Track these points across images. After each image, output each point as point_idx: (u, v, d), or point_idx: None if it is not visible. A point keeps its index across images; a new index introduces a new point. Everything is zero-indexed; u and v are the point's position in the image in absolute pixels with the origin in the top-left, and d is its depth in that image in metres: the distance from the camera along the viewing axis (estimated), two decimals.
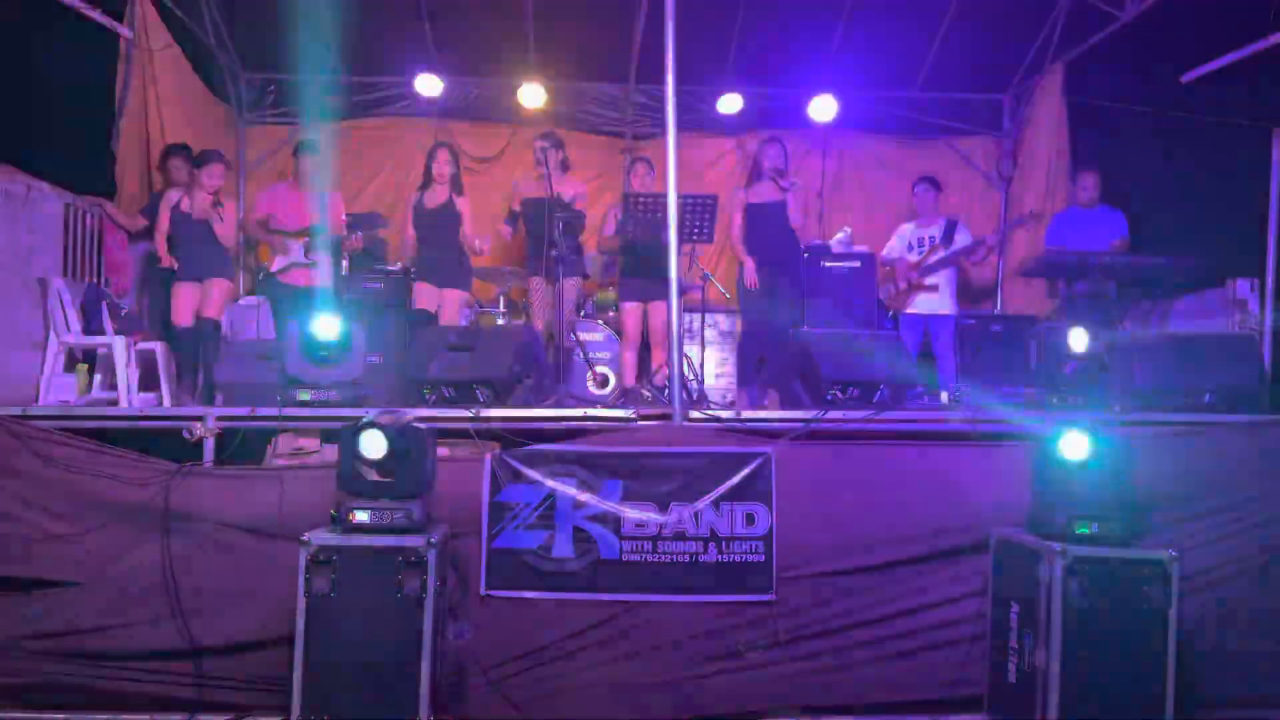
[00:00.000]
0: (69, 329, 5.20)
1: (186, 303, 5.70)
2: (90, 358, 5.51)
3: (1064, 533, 3.38)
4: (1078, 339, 4.40)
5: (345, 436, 3.41)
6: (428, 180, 6.12)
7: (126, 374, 5.16)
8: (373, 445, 3.33)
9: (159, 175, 6.38)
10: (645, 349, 6.33)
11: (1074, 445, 3.45)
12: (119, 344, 5.16)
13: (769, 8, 7.26)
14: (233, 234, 6.01)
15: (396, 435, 3.35)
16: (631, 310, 6.12)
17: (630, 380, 6.13)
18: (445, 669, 3.56)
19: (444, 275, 6.07)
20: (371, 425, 3.34)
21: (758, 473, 3.85)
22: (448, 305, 6.07)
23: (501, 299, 7.04)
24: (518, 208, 6.15)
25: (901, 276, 6.62)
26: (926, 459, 3.97)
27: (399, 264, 6.77)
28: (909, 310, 6.60)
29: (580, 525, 3.83)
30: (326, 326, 4.20)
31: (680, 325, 4.29)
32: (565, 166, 6.15)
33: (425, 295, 6.09)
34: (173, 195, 5.74)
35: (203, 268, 5.78)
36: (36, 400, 4.91)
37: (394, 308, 6.56)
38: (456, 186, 6.12)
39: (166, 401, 5.45)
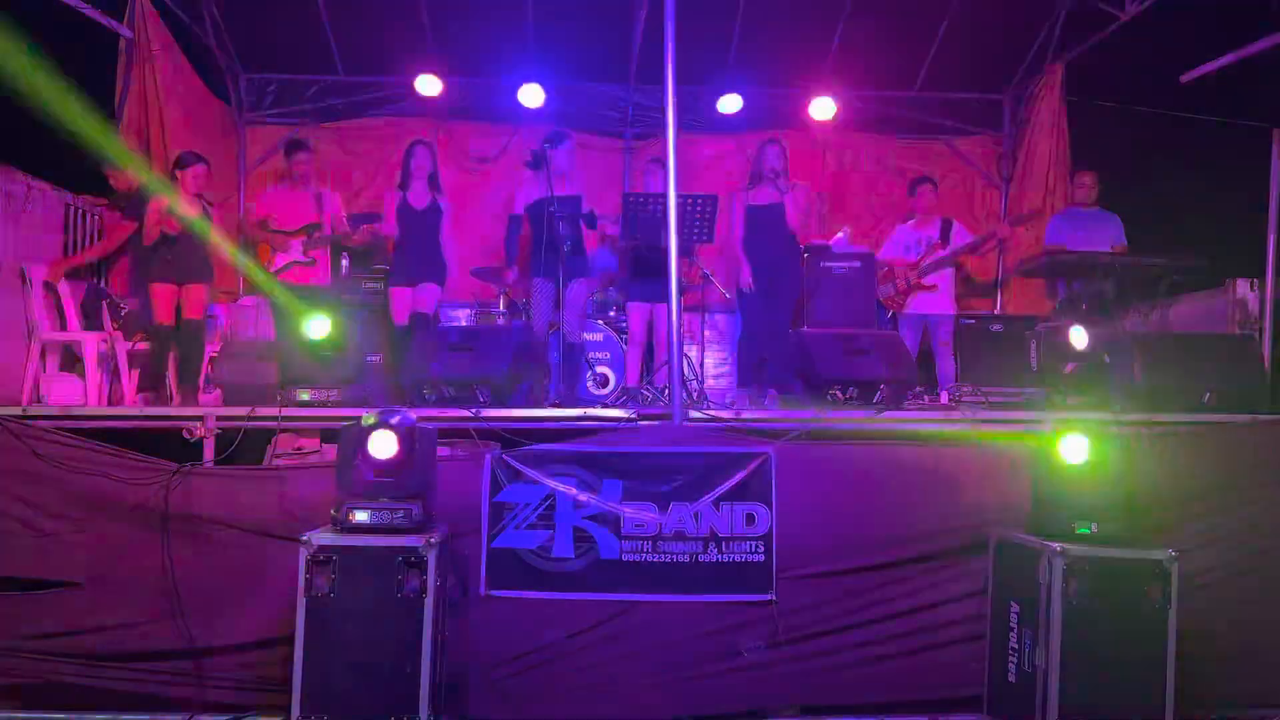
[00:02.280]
0: (62, 326, 5.20)
1: (166, 302, 5.57)
2: None
3: (1064, 533, 3.38)
4: (1078, 337, 4.45)
5: (346, 436, 3.41)
6: (405, 179, 6.05)
7: (98, 371, 5.15)
8: (382, 445, 3.33)
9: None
10: (649, 349, 6.31)
11: (1074, 446, 3.45)
12: (89, 341, 5.13)
13: (769, 8, 7.26)
14: (231, 236, 5.97)
15: (406, 435, 3.35)
16: (638, 311, 6.09)
17: (634, 380, 6.12)
18: (445, 669, 3.56)
19: (421, 272, 5.99)
20: (381, 425, 3.34)
21: (757, 473, 3.85)
22: (422, 298, 5.98)
23: (502, 299, 7.04)
24: (520, 211, 6.04)
25: (900, 277, 6.62)
26: (926, 459, 3.97)
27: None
28: (908, 310, 6.60)
29: (580, 525, 3.83)
30: (318, 326, 4.19)
31: (680, 325, 4.28)
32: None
33: (401, 302, 5.98)
34: (159, 203, 5.51)
35: (182, 271, 5.59)
36: (23, 399, 4.90)
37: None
38: (436, 185, 6.05)
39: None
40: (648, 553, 3.82)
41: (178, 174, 5.64)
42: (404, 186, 6.07)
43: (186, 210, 5.60)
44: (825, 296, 6.36)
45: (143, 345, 5.52)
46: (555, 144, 5.79)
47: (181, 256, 5.59)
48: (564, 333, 5.72)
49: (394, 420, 3.37)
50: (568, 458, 3.88)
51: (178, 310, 5.53)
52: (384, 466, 3.36)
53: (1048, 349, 4.54)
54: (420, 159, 6.01)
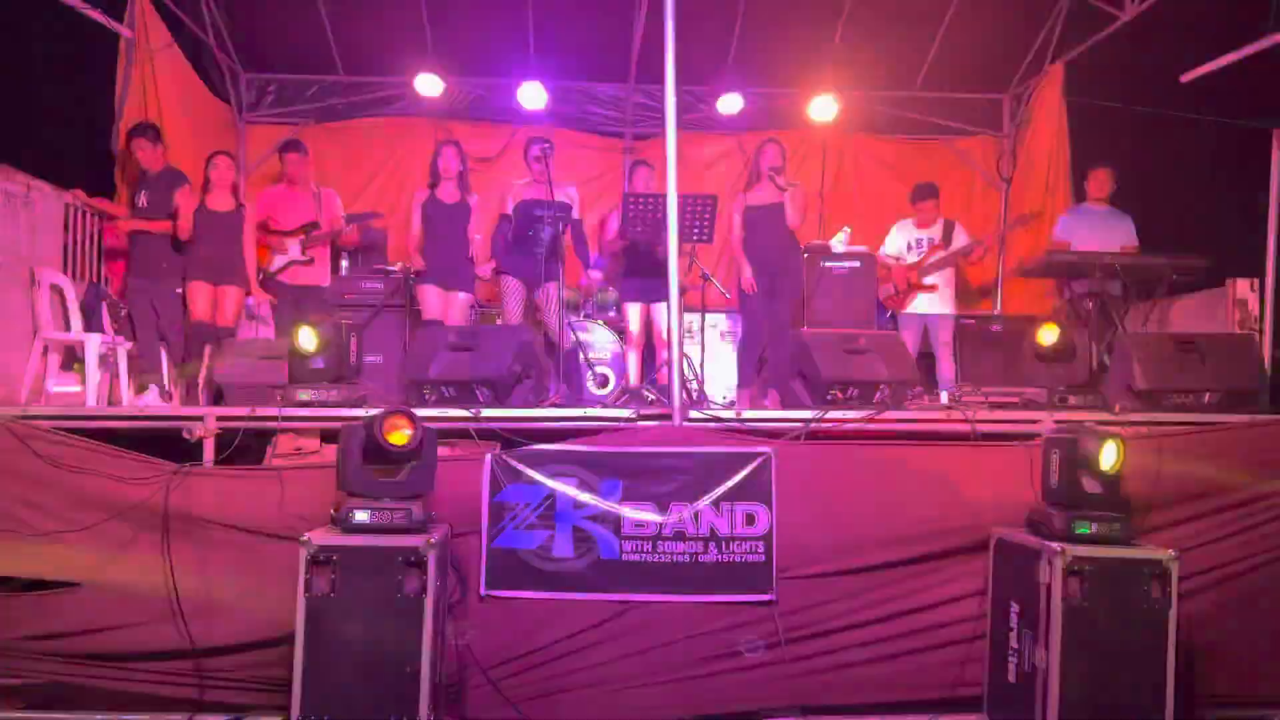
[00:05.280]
0: (69, 326, 5.20)
1: (203, 300, 5.81)
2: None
3: (1064, 533, 3.38)
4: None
5: (346, 436, 3.41)
6: (435, 179, 6.07)
7: (98, 372, 5.15)
8: (306, 339, 3.34)
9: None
10: (648, 349, 6.31)
11: (1074, 445, 3.45)
12: (91, 342, 5.14)
13: (769, 8, 7.26)
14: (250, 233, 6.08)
15: (420, 425, 3.38)
16: (634, 311, 6.09)
17: (633, 380, 6.11)
18: (445, 669, 3.56)
19: (453, 277, 6.02)
20: (396, 413, 3.37)
21: (757, 473, 3.84)
22: (455, 309, 6.03)
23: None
24: (509, 210, 6.01)
25: (900, 277, 6.62)
26: (926, 459, 3.97)
27: (399, 264, 6.76)
28: (908, 310, 6.59)
29: (580, 525, 3.82)
30: (305, 338, 4.22)
31: (680, 325, 4.28)
32: None
33: (431, 299, 6.02)
34: (191, 196, 5.84)
35: (217, 271, 5.84)
36: (23, 399, 4.90)
37: (394, 308, 6.55)
38: (465, 185, 6.09)
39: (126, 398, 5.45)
40: (648, 553, 3.81)
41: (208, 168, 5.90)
42: (433, 185, 6.07)
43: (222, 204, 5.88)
44: (825, 296, 6.36)
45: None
46: (537, 150, 5.81)
47: (220, 254, 5.83)
48: (548, 334, 5.73)
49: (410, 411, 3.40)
50: (568, 458, 3.88)
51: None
52: (397, 456, 3.36)
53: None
54: (448, 158, 6.02)
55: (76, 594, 3.74)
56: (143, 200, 5.81)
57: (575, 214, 6.04)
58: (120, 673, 3.68)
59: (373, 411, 3.58)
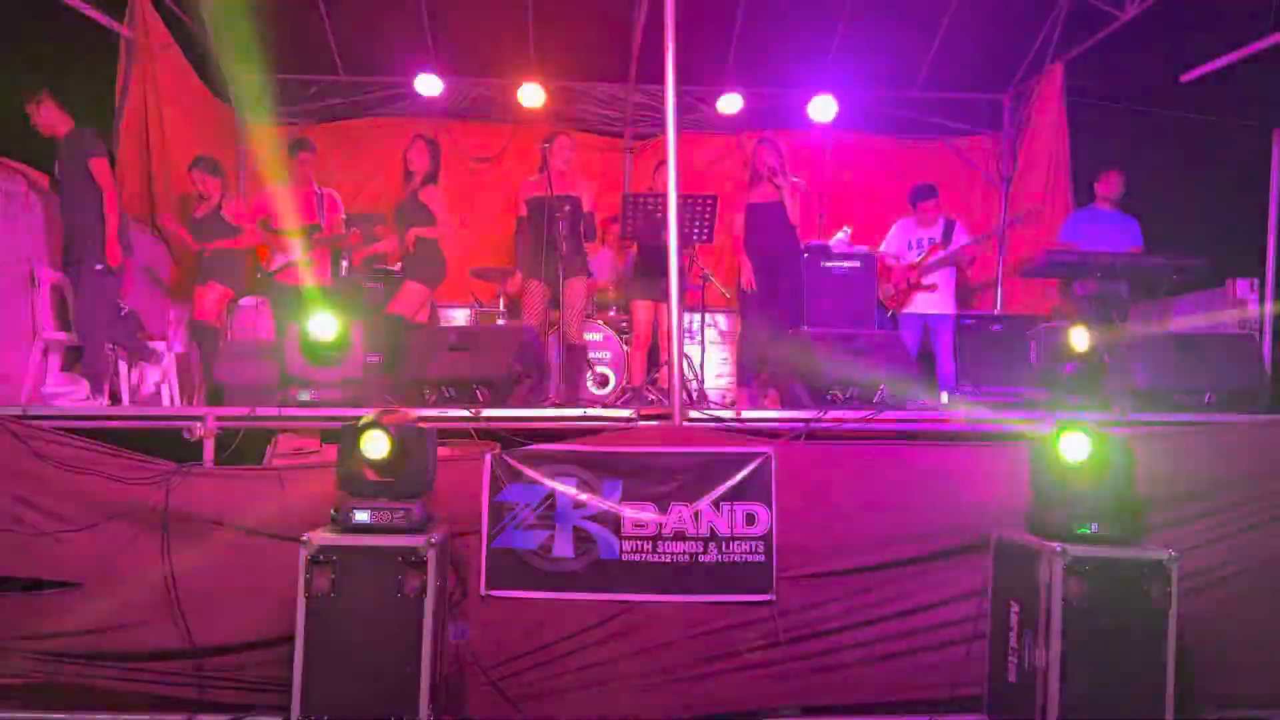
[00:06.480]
0: (69, 326, 5.20)
1: (198, 302, 5.95)
2: None
3: (1064, 533, 3.38)
4: (1078, 338, 4.44)
5: (345, 436, 3.41)
6: (407, 175, 6.06)
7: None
8: (375, 446, 3.33)
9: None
10: (653, 348, 6.29)
11: (1074, 445, 3.45)
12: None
13: (769, 8, 7.27)
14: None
15: (398, 435, 3.34)
16: (643, 309, 6.06)
17: (639, 380, 6.10)
18: (445, 669, 3.56)
19: (426, 273, 6.01)
20: (373, 425, 3.34)
21: (757, 473, 3.85)
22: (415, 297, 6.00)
23: (501, 299, 7.04)
24: (524, 212, 5.96)
25: (900, 277, 6.62)
26: (926, 459, 3.97)
27: (399, 264, 6.75)
28: (908, 310, 6.59)
29: (580, 525, 3.82)
30: (323, 326, 4.20)
31: (681, 325, 4.28)
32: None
33: (411, 295, 5.97)
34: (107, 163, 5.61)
35: (205, 271, 5.99)
36: (23, 399, 4.90)
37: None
38: (430, 179, 6.00)
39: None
40: (647, 553, 3.82)
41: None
42: (406, 183, 6.08)
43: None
44: (825, 296, 6.36)
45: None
46: (549, 143, 5.78)
47: (208, 256, 5.97)
48: (563, 333, 5.69)
49: (387, 419, 3.37)
50: (567, 457, 3.88)
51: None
52: (377, 466, 3.35)
53: (1048, 349, 4.52)
54: (414, 153, 6.00)
55: (76, 594, 3.74)
56: (57, 170, 5.26)
57: (583, 207, 5.99)
58: (120, 673, 3.68)
59: (367, 412, 3.56)
